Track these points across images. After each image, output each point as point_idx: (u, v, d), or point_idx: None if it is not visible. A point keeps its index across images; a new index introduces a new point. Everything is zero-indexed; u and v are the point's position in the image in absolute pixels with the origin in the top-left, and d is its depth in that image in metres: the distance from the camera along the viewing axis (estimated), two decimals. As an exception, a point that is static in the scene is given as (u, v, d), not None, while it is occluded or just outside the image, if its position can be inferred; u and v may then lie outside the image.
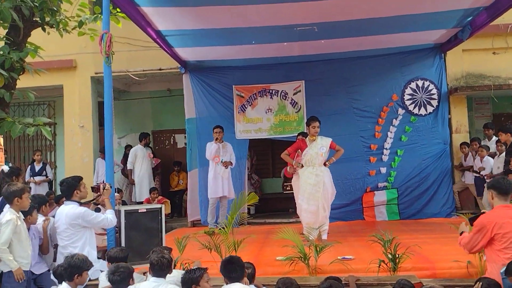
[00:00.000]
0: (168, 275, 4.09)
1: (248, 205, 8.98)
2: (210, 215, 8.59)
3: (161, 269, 3.89)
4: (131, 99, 11.97)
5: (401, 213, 9.16)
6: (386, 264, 4.99)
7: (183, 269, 5.07)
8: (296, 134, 8.68)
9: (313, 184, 6.76)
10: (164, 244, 5.70)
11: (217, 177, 8.48)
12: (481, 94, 9.89)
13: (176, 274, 4.56)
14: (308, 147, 6.88)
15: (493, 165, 8.29)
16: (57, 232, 4.89)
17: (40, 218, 5.30)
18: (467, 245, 4.21)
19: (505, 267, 3.78)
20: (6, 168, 7.20)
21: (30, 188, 8.09)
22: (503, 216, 3.95)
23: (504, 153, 8.03)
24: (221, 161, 8.47)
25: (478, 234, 4.10)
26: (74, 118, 10.38)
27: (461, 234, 4.46)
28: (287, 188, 10.46)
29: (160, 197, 9.88)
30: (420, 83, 9.30)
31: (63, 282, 4.11)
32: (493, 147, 8.71)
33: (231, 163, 8.61)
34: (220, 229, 7.26)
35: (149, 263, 3.96)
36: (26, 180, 10.32)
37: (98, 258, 5.38)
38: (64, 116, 10.54)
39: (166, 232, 6.43)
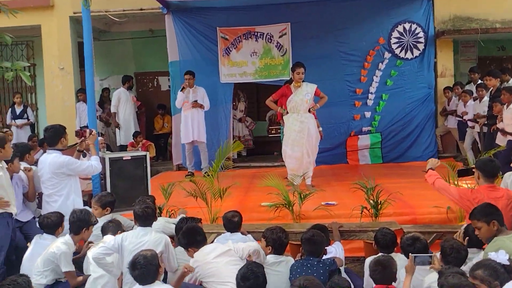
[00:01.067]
0: (154, 223, 4.14)
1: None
2: (187, 159, 8.62)
3: (146, 219, 3.93)
4: (112, 40, 11.60)
5: (384, 156, 9.30)
6: (368, 211, 5.12)
7: (169, 216, 5.16)
8: (283, 79, 8.58)
9: (297, 131, 6.76)
10: (149, 191, 5.75)
11: (187, 122, 8.31)
12: (467, 37, 9.80)
13: (162, 221, 4.65)
14: (293, 94, 6.81)
15: (474, 109, 8.34)
16: (41, 180, 4.84)
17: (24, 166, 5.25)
18: (440, 189, 4.29)
19: None
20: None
21: (12, 134, 8.01)
22: (487, 197, 4.03)
23: (485, 98, 8.09)
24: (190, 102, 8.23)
25: (457, 196, 4.20)
26: (53, 59, 10.07)
27: (427, 171, 4.52)
28: (272, 132, 10.52)
29: (144, 141, 9.87)
30: (407, 26, 9.15)
31: (67, 234, 4.19)
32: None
33: (201, 105, 8.32)
34: (204, 175, 7.42)
35: (133, 214, 3.98)
36: (7, 123, 10.18)
37: (85, 205, 5.41)
38: (44, 58, 10.21)
39: (151, 175, 6.48)
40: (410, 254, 3.41)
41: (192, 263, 3.72)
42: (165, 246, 3.81)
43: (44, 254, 4.04)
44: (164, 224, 4.51)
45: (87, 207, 5.11)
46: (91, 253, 3.89)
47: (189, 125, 8.31)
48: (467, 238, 3.72)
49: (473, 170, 4.40)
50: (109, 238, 4.01)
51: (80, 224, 4.16)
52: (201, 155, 8.54)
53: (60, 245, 4.02)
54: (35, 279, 3.89)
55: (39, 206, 5.25)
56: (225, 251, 3.72)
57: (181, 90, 8.27)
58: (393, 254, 3.73)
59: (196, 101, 8.27)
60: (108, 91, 10.93)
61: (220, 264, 3.58)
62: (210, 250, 3.76)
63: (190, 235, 3.88)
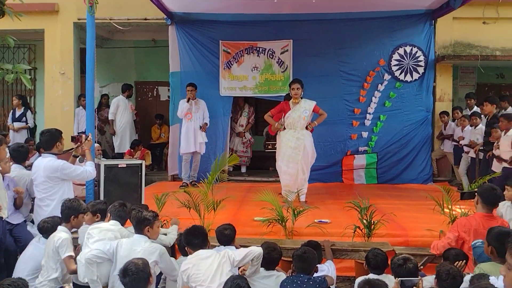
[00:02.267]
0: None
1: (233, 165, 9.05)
2: (183, 170, 8.65)
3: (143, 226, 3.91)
4: (114, 48, 11.68)
5: (379, 177, 9.31)
6: (361, 230, 5.10)
7: (161, 226, 5.13)
8: (282, 95, 8.63)
9: (293, 147, 6.76)
10: (143, 200, 5.73)
11: (189, 133, 8.40)
12: (467, 63, 9.90)
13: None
14: (291, 110, 6.82)
15: (470, 136, 8.37)
16: (35, 184, 4.84)
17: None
18: (443, 249, 4.25)
19: (476, 241, 3.89)
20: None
21: (8, 137, 7.97)
22: (482, 226, 4.04)
23: (480, 126, 8.14)
24: (200, 127, 8.42)
25: (453, 242, 4.17)
26: (55, 64, 10.09)
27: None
28: (269, 147, 10.49)
29: (142, 148, 9.89)
30: (408, 49, 9.22)
31: (59, 226, 4.28)
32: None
33: (206, 124, 8.53)
34: (193, 184, 7.64)
35: (133, 221, 3.96)
36: (7, 125, 10.15)
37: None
38: (45, 62, 10.24)
39: (145, 185, 6.46)
40: (397, 278, 3.39)
41: (184, 264, 3.73)
42: (159, 256, 3.79)
43: (49, 250, 4.09)
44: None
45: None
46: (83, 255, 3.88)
47: (191, 136, 8.38)
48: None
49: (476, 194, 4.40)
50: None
51: (69, 212, 4.28)
52: (193, 164, 8.60)
53: (59, 234, 4.15)
54: (48, 274, 4.02)
55: (32, 210, 5.23)
56: (218, 261, 3.68)
57: (187, 102, 8.35)
58: (383, 276, 3.72)
59: (206, 124, 8.48)
60: (107, 97, 10.93)
61: (208, 271, 3.59)
62: (204, 256, 3.73)
63: (189, 235, 3.92)
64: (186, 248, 3.96)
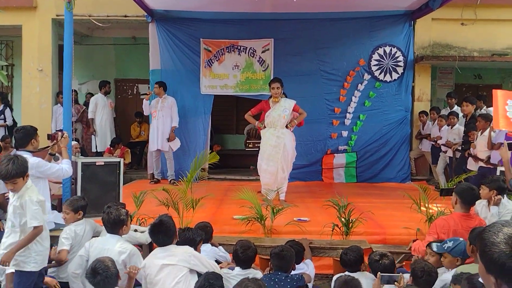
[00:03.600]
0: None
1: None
2: (154, 166, 8.76)
3: (115, 226, 3.86)
4: (94, 45, 11.55)
5: (358, 176, 9.38)
6: (340, 228, 5.13)
7: (139, 224, 5.09)
8: (263, 94, 8.66)
9: (273, 146, 6.77)
10: (121, 198, 5.67)
11: (154, 131, 8.48)
12: (445, 64, 10.03)
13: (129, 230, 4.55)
14: (271, 109, 6.84)
15: (447, 135, 8.48)
16: (10, 182, 4.74)
17: None
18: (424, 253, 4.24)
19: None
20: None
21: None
22: (460, 226, 4.08)
23: (457, 125, 8.25)
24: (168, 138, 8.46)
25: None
26: (32, 61, 9.93)
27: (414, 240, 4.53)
28: (250, 146, 10.51)
29: (122, 147, 9.81)
30: (387, 49, 9.31)
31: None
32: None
33: (173, 129, 8.47)
34: (170, 183, 7.83)
35: (105, 220, 3.91)
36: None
37: (53, 209, 5.31)
38: (23, 59, 10.06)
39: (124, 183, 6.39)
40: (378, 273, 3.43)
41: (143, 265, 3.65)
42: (129, 257, 3.72)
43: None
44: (130, 234, 4.42)
45: (55, 211, 5.03)
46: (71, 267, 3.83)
47: (155, 134, 8.44)
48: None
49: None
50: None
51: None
52: (167, 164, 8.63)
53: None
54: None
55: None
56: (174, 261, 3.58)
57: (142, 94, 8.49)
58: (360, 273, 3.75)
59: (173, 130, 8.45)
60: (76, 93, 10.71)
61: (163, 274, 3.54)
62: (160, 256, 3.63)
63: (154, 231, 3.76)
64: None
